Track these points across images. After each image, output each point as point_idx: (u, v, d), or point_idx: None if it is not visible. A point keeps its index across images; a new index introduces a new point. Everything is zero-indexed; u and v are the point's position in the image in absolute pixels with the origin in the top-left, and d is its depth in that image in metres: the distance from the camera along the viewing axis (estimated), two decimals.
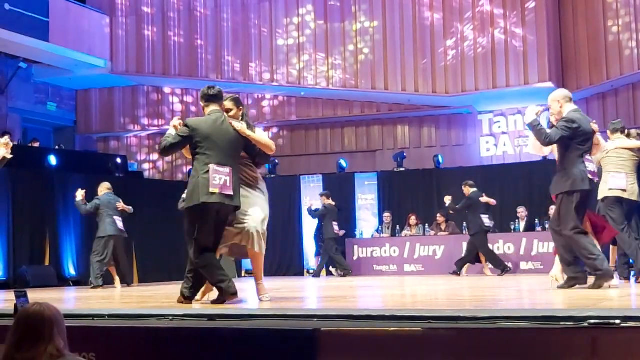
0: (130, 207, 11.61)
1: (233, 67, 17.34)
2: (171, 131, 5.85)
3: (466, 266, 12.94)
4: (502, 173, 15.43)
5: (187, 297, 5.78)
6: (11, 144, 7.28)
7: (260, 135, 6.05)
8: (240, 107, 6.06)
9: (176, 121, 5.88)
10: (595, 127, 6.61)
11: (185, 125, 5.70)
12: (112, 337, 4.06)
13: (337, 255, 14.32)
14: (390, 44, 16.42)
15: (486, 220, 12.75)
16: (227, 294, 5.61)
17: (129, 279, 11.85)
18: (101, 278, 11.09)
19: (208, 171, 5.51)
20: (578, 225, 6.28)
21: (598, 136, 6.80)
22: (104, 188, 11.58)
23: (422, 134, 17.33)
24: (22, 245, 12.71)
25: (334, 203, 14.49)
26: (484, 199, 12.79)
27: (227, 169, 5.60)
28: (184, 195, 11.96)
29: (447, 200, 13.15)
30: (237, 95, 6.34)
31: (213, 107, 5.86)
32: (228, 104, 6.00)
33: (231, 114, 5.93)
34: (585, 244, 6.23)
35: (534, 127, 6.42)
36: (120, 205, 11.43)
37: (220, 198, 5.52)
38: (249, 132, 5.82)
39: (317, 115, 17.47)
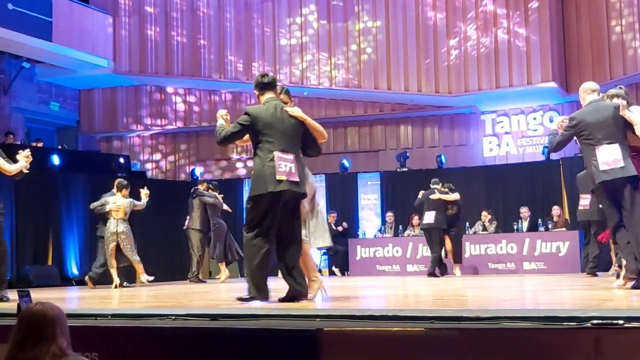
0: (140, 203, 11.49)
1: (236, 66, 17.35)
2: (221, 121, 5.82)
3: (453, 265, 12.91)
4: (505, 173, 15.42)
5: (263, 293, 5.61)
6: (31, 159, 7.21)
7: (315, 122, 5.99)
8: (292, 99, 6.11)
9: (223, 111, 5.89)
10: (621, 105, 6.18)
11: (246, 114, 5.65)
12: (114, 336, 4.06)
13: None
14: (393, 44, 16.41)
15: (427, 217, 12.37)
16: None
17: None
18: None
19: (273, 159, 5.45)
20: (613, 219, 6.17)
21: (627, 114, 6.14)
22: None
23: (424, 133, 17.32)
24: (25, 245, 12.73)
25: None
26: (435, 195, 12.55)
27: (291, 156, 5.55)
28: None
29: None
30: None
31: (268, 95, 5.81)
32: (283, 97, 5.99)
33: (285, 107, 5.87)
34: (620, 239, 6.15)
35: (550, 135, 6.66)
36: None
37: (287, 185, 5.44)
38: (306, 117, 5.79)
39: (319, 115, 17.44)
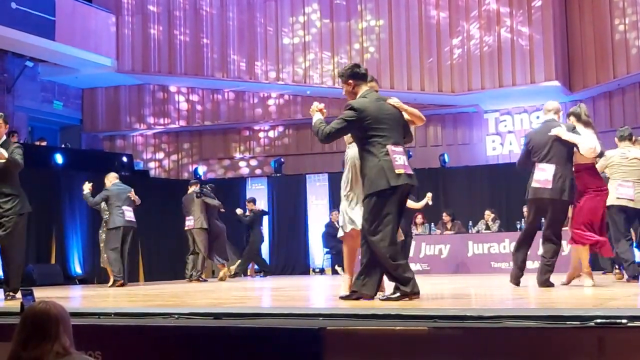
0: (138, 198, 11.43)
1: (239, 65, 17.34)
2: (318, 116, 5.63)
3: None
4: (508, 172, 15.36)
5: (369, 295, 5.30)
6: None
7: (412, 108, 5.82)
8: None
9: (320, 105, 5.68)
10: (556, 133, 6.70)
11: (352, 109, 5.43)
12: (118, 335, 4.07)
13: (258, 257, 15.02)
14: (396, 43, 16.40)
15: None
16: (411, 293, 5.21)
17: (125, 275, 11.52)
18: (123, 272, 10.95)
19: (387, 153, 5.28)
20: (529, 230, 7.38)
21: (566, 135, 6.69)
22: (112, 178, 11.40)
23: (427, 132, 17.30)
24: (29, 244, 12.71)
25: (258, 209, 14.97)
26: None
27: (401, 148, 5.41)
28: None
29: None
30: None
31: (365, 87, 5.59)
32: (375, 84, 5.81)
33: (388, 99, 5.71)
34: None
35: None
36: (132, 194, 11.28)
37: (407, 178, 5.30)
38: (406, 107, 5.63)
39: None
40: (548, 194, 6.63)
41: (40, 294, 5.62)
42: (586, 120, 6.81)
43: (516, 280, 7.18)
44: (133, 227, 11.30)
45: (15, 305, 5.17)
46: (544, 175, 6.66)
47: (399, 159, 5.30)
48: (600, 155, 7.03)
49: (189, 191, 12.93)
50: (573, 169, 6.75)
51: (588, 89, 15.41)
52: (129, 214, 11.18)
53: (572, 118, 6.88)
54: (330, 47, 16.86)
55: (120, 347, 3.99)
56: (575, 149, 6.66)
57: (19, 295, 6.53)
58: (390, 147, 5.31)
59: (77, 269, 13.45)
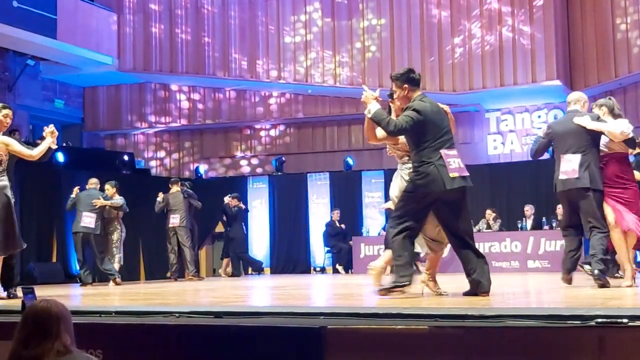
0: (101, 202, 11.41)
1: (240, 64, 17.34)
2: (376, 105, 5.54)
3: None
4: (509, 171, 15.41)
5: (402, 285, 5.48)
6: (56, 133, 7.01)
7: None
8: None
9: (375, 93, 5.58)
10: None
11: (415, 111, 5.46)
12: (119, 334, 4.07)
13: (245, 255, 15.19)
14: (397, 42, 16.39)
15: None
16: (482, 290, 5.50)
17: (107, 275, 11.45)
18: (89, 274, 11.45)
19: (441, 157, 5.42)
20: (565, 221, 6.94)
21: (591, 124, 6.53)
22: (90, 184, 11.63)
23: None
24: (30, 242, 12.66)
25: (243, 206, 15.09)
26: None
27: (455, 151, 5.56)
28: (159, 198, 12.36)
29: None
30: None
31: (418, 92, 5.64)
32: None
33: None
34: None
35: (534, 142, 7.28)
36: (96, 200, 11.32)
37: (461, 181, 5.48)
38: (451, 115, 5.80)
39: (324, 112, 17.47)
40: (576, 183, 6.42)
41: (41, 292, 5.63)
42: (618, 114, 6.65)
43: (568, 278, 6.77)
44: (91, 233, 11.24)
45: (16, 303, 5.17)
46: (570, 165, 6.47)
47: (453, 162, 5.45)
48: (632, 143, 6.64)
49: (173, 189, 13.08)
50: (600, 159, 6.53)
51: (589, 88, 15.38)
52: (88, 220, 11.22)
53: (604, 109, 6.62)
54: (332, 45, 16.85)
55: (121, 346, 3.99)
56: (605, 136, 6.45)
57: (20, 293, 6.52)
58: (444, 152, 5.44)
59: (78, 267, 13.45)
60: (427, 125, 5.45)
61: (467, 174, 5.55)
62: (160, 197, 12.92)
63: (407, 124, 5.41)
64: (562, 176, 6.52)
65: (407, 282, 5.46)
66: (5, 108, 7.04)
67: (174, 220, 12.83)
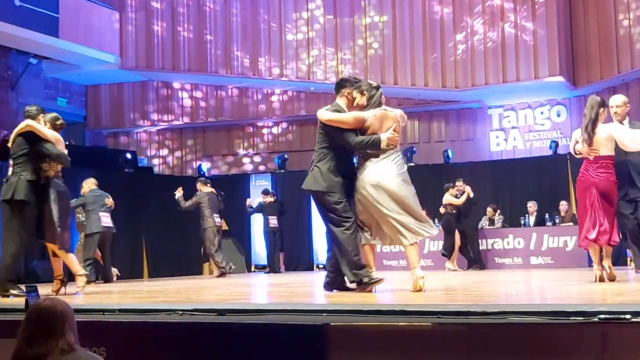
0: (112, 202, 11.52)
1: (242, 62, 17.34)
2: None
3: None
4: (512, 168, 15.39)
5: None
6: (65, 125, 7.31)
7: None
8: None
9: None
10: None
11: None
12: (122, 331, 4.08)
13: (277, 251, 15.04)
14: (399, 39, 16.38)
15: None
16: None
17: (109, 275, 11.57)
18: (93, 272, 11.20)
19: None
20: None
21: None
22: (91, 184, 11.55)
23: (431, 128, 17.29)
24: (33, 240, 12.75)
25: (272, 199, 15.05)
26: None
27: None
28: (192, 199, 12.43)
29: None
30: None
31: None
32: None
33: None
34: None
35: None
36: (108, 200, 11.38)
37: None
38: None
39: None
40: None
41: (45, 290, 5.65)
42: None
43: None
44: (112, 232, 11.41)
45: (20, 302, 5.18)
46: None
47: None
48: None
49: (207, 189, 13.00)
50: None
51: (592, 85, 15.36)
52: (106, 220, 11.30)
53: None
54: (334, 43, 16.84)
55: (124, 343, 4.00)
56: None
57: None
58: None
59: (83, 265, 13.47)
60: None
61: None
62: (180, 192, 12.85)
63: None
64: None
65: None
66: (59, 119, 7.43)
67: (218, 219, 12.95)
